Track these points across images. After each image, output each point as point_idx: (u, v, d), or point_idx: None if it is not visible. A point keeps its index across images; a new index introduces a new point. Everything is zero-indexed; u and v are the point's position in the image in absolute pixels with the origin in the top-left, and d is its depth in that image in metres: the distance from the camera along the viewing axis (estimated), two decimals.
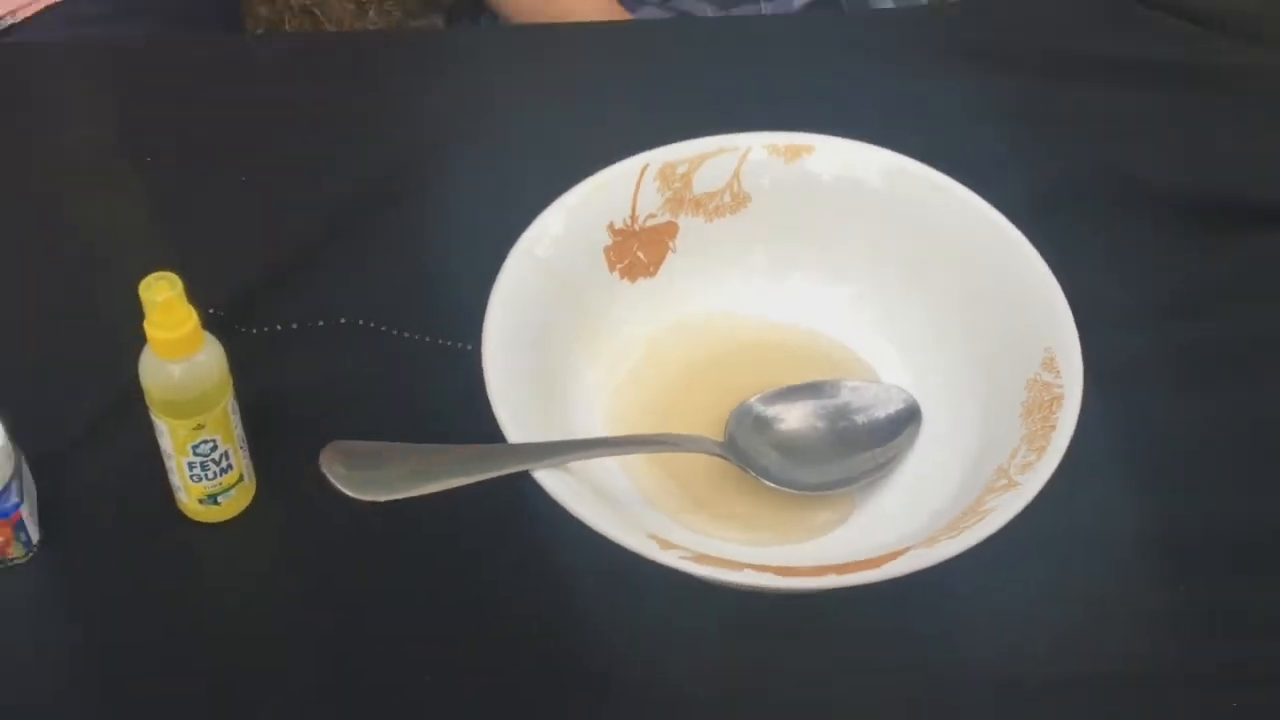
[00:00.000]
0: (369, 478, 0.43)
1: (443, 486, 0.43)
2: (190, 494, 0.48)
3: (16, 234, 0.59)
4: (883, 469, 0.50)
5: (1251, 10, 0.66)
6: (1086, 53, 0.65)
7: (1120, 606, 0.48)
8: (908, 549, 0.43)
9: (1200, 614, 0.48)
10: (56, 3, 0.83)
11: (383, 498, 0.42)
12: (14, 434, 0.46)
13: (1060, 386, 0.47)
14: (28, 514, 0.47)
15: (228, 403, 0.47)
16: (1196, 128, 0.63)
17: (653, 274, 0.54)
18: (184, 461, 0.47)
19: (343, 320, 0.54)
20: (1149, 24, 0.66)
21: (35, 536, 0.48)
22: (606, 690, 0.46)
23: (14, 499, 0.47)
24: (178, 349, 0.44)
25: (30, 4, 0.83)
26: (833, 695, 0.46)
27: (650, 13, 0.92)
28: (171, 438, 0.46)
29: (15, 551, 0.48)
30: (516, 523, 0.47)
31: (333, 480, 0.42)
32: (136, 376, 0.45)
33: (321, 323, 0.54)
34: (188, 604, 0.48)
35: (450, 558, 0.48)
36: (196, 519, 0.49)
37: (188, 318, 0.44)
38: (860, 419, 0.51)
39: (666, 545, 0.43)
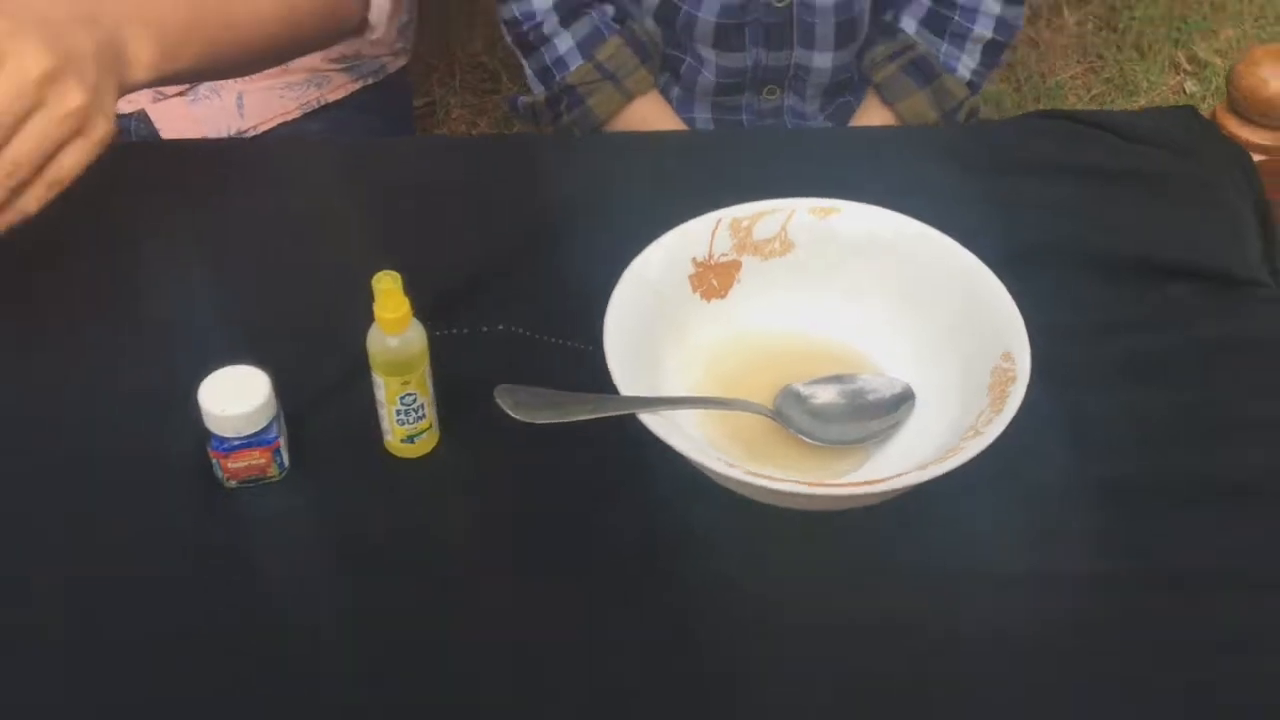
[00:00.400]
0: (526, 408, 0.63)
1: (574, 418, 0.63)
2: (395, 435, 0.69)
3: (288, 256, 0.81)
4: (887, 432, 0.69)
5: (1161, 129, 0.86)
6: (1041, 155, 0.86)
7: (1060, 521, 0.66)
8: (906, 472, 0.62)
9: (1122, 525, 0.66)
10: (288, 121, 1.08)
11: (537, 420, 0.63)
12: (277, 389, 0.67)
13: (1013, 371, 0.66)
14: (283, 445, 0.68)
15: (425, 368, 0.67)
16: (1120, 207, 0.82)
17: (723, 296, 0.74)
18: (393, 410, 0.68)
19: (500, 327, 0.75)
20: (1085, 137, 0.87)
21: (286, 462, 0.69)
22: (671, 574, 0.65)
23: (274, 434, 0.67)
24: (395, 326, 0.65)
25: (268, 121, 1.07)
26: (854, 586, 0.65)
27: (701, 124, 1.16)
28: (385, 391, 0.67)
29: (273, 472, 0.68)
30: (625, 457, 0.67)
31: (503, 406, 0.63)
32: (365, 348, 0.66)
33: (484, 328, 0.75)
34: (391, 513, 0.68)
35: (575, 479, 0.68)
36: (397, 454, 0.70)
37: (403, 304, 0.65)
38: (871, 397, 0.70)
39: (729, 466, 0.62)
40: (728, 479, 0.62)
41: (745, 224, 0.74)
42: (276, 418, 0.67)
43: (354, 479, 0.69)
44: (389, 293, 0.64)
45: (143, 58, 0.75)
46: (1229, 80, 0.85)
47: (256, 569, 0.66)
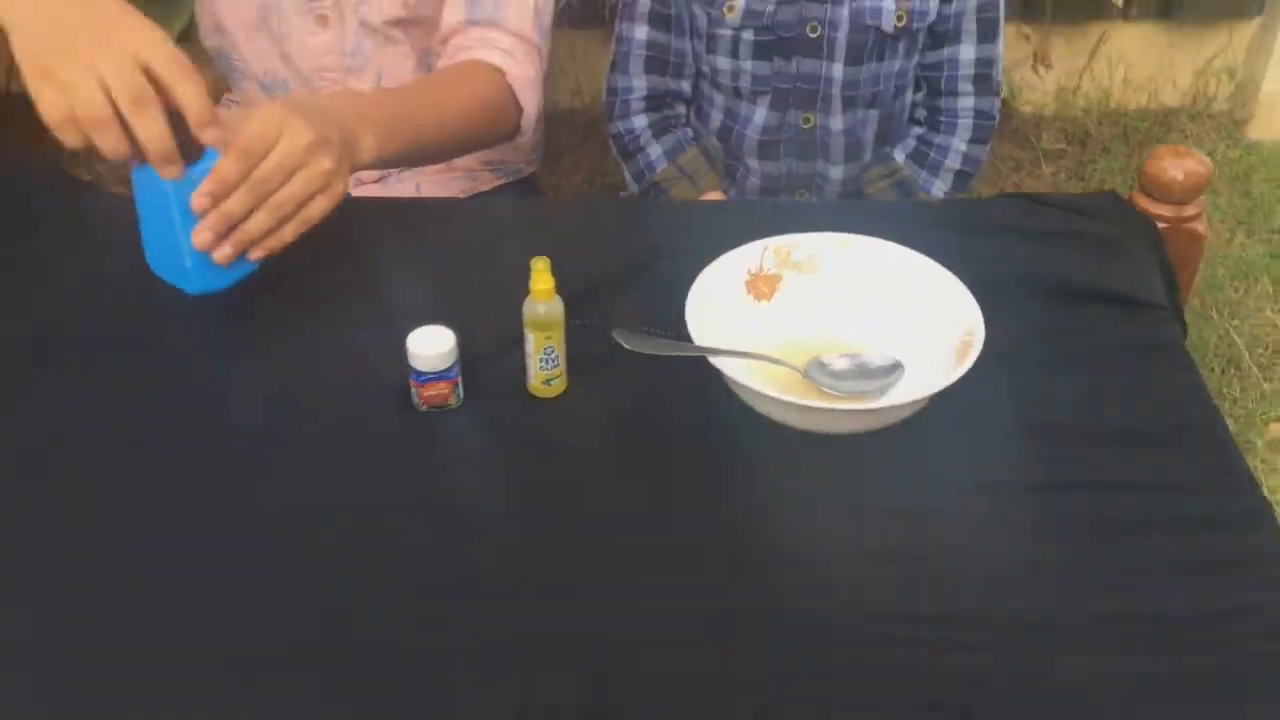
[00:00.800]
0: (635, 341, 0.92)
1: (665, 352, 0.92)
2: (537, 378, 0.97)
3: (478, 261, 1.12)
4: (883, 388, 0.97)
5: (1094, 205, 1.17)
6: (1008, 220, 1.16)
7: (1007, 451, 0.94)
8: (898, 405, 0.91)
9: (1050, 457, 0.93)
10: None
11: (639, 349, 0.92)
12: (460, 344, 0.96)
13: (972, 339, 0.95)
14: (459, 383, 0.97)
15: (561, 331, 0.96)
16: (1064, 254, 1.12)
17: (770, 300, 1.04)
18: (536, 359, 0.96)
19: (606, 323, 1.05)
20: (1040, 211, 1.17)
21: (462, 395, 0.97)
22: (719, 480, 0.93)
23: (454, 373, 0.96)
24: (543, 295, 0.95)
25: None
26: (867, 494, 0.92)
27: (736, 195, 1.49)
28: (533, 344, 0.96)
29: (452, 401, 0.97)
30: (704, 395, 0.95)
31: (617, 339, 0.92)
32: (521, 313, 0.96)
33: (599, 321, 1.04)
34: (533, 440, 0.96)
35: (664, 408, 0.96)
36: (537, 394, 0.98)
37: (549, 280, 0.94)
38: (873, 366, 0.99)
39: (780, 393, 0.91)
40: (776, 401, 0.91)
41: (785, 249, 1.04)
42: (457, 362, 0.96)
43: (507, 410, 0.98)
44: (540, 271, 0.94)
45: (367, 146, 1.07)
46: (1139, 171, 1.16)
47: (437, 467, 0.94)
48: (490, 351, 1.01)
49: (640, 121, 1.44)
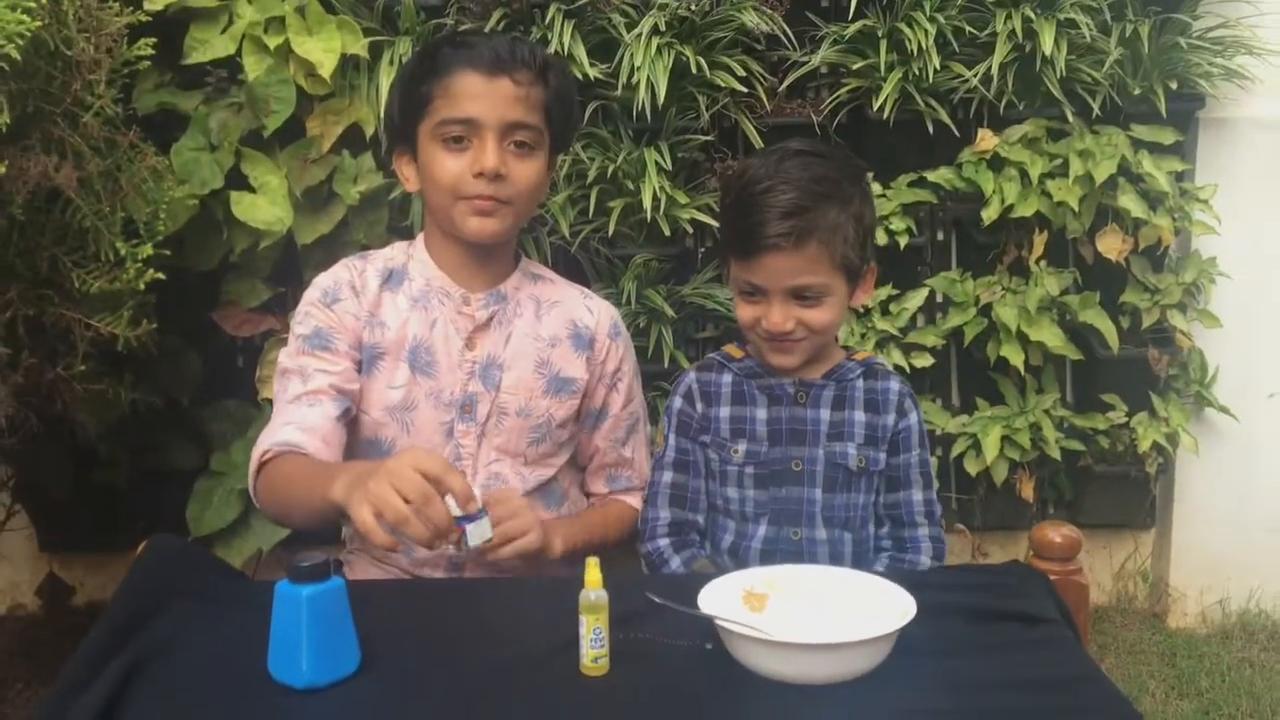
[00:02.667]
0: (662, 598, 1.26)
1: (689, 609, 1.25)
2: (588, 656, 1.29)
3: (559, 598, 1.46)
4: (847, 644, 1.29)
5: (1009, 569, 1.54)
6: (947, 580, 1.53)
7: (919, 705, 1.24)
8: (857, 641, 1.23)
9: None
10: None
11: (667, 603, 1.25)
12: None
13: (907, 616, 1.28)
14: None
15: (606, 616, 1.30)
16: (988, 596, 1.48)
17: (762, 612, 1.38)
18: (588, 639, 1.29)
19: (643, 635, 1.38)
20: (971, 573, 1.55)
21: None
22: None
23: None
24: (594, 584, 1.29)
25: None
26: None
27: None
28: (585, 626, 1.29)
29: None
30: (707, 669, 1.27)
31: (650, 596, 1.25)
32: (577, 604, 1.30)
33: (640, 635, 1.38)
34: (580, 702, 1.26)
35: (679, 683, 1.28)
36: (587, 673, 1.29)
37: (599, 574, 1.30)
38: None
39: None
40: (755, 642, 1.22)
41: (774, 576, 1.40)
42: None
43: (561, 688, 1.28)
44: (593, 566, 1.30)
45: (557, 548, 1.62)
46: (1030, 539, 1.55)
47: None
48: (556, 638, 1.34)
49: (664, 542, 1.83)
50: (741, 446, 1.79)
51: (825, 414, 1.79)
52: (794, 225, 1.65)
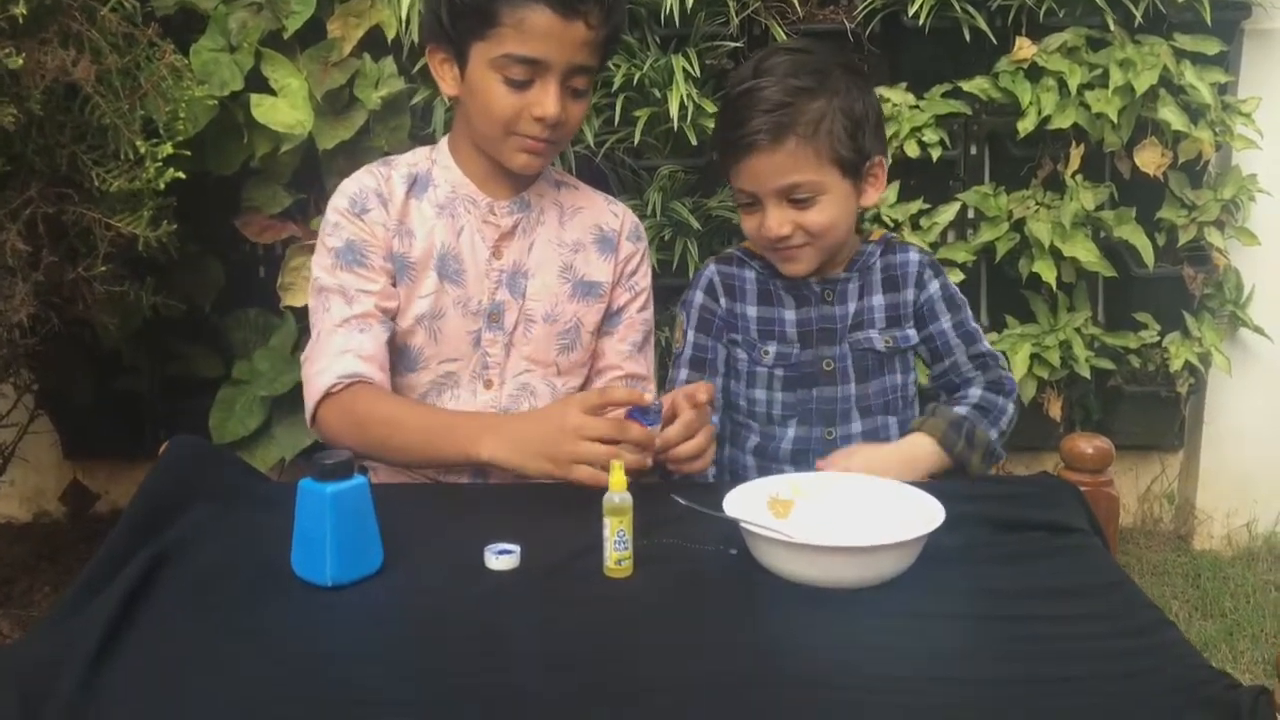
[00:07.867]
0: (694, 502, 1.24)
1: (711, 511, 1.24)
2: (611, 559, 1.27)
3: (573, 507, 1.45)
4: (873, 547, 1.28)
5: (1039, 480, 1.52)
6: (979, 490, 1.51)
7: (953, 620, 1.22)
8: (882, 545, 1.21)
9: (986, 627, 1.22)
10: None
11: (694, 506, 1.23)
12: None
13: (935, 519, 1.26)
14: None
15: (630, 519, 1.28)
16: (1016, 505, 1.45)
17: (786, 518, 1.36)
18: (612, 541, 1.27)
19: (669, 540, 1.36)
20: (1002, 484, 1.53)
21: None
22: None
23: None
24: (618, 487, 1.28)
25: None
26: (863, 634, 1.20)
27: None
28: (609, 529, 1.27)
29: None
30: (730, 572, 1.26)
31: (678, 499, 1.24)
32: (601, 506, 1.28)
33: (664, 540, 1.36)
34: (602, 606, 1.25)
35: (698, 582, 1.26)
36: (610, 575, 1.28)
37: (624, 477, 1.28)
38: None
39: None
40: (783, 545, 1.21)
41: (800, 483, 1.38)
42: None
43: (582, 588, 1.27)
44: (617, 468, 1.28)
45: None
46: (1060, 450, 1.52)
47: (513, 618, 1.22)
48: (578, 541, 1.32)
49: None
50: (772, 348, 1.76)
51: (852, 307, 1.76)
52: (768, 120, 1.60)
